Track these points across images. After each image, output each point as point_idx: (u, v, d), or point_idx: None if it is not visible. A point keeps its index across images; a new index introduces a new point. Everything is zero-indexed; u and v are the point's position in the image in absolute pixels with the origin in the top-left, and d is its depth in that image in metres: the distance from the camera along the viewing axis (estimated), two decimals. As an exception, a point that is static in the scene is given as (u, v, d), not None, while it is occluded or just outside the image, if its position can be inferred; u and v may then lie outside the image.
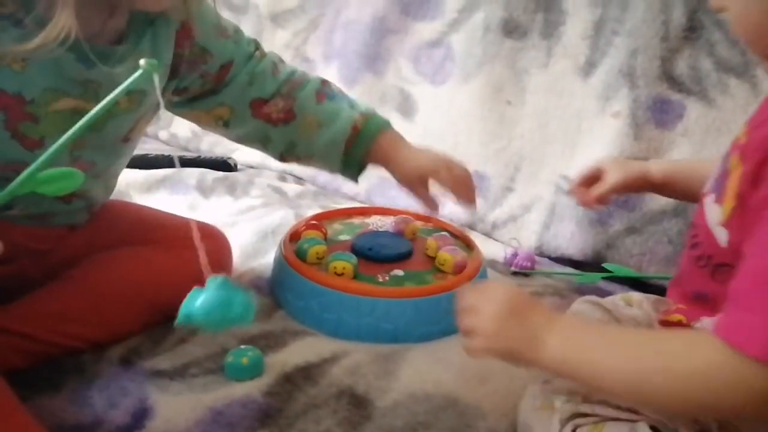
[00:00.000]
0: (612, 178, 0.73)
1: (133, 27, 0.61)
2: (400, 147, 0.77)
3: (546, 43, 0.97)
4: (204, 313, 0.46)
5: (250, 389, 0.60)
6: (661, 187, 0.73)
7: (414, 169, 0.75)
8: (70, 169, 0.41)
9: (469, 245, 0.83)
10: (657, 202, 0.87)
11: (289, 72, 0.78)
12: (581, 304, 0.64)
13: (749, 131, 0.48)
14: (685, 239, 0.59)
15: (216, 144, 1.32)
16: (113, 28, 0.60)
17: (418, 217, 0.88)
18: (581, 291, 0.82)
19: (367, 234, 0.83)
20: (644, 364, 0.42)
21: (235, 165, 1.25)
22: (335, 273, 0.71)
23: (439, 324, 0.70)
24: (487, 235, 1.01)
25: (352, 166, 0.77)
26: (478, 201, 0.84)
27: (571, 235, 0.93)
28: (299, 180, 1.23)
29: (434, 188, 0.77)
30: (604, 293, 0.74)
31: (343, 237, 0.83)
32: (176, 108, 0.76)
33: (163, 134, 1.40)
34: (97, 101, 0.38)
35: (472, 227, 1.02)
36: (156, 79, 0.38)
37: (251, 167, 1.26)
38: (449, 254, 0.76)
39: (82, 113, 0.38)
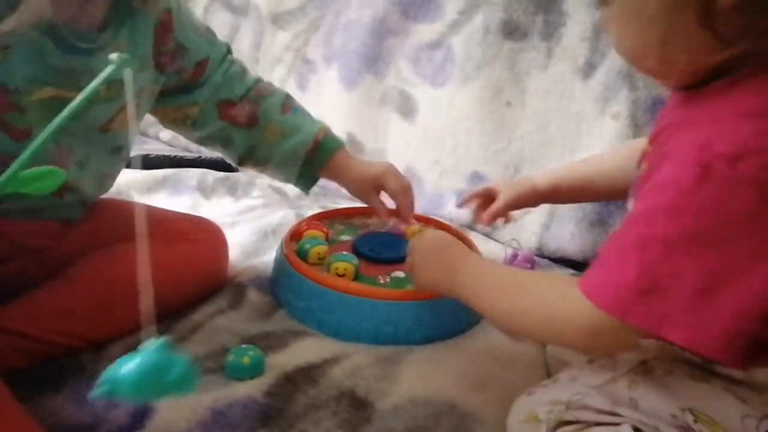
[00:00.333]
0: (505, 195, 0.79)
1: (112, 18, 0.62)
2: (352, 161, 0.83)
3: (546, 45, 0.97)
4: (133, 378, 0.40)
5: (251, 389, 0.60)
6: (551, 196, 0.79)
7: (366, 178, 0.82)
8: (52, 168, 0.40)
9: (469, 246, 0.83)
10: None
11: (256, 79, 0.82)
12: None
13: (650, 141, 0.51)
14: None
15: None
16: (91, 15, 0.60)
17: (418, 218, 0.88)
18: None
19: (368, 235, 0.83)
20: (518, 306, 0.51)
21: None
22: (336, 274, 0.72)
23: (439, 326, 0.70)
24: (487, 235, 1.01)
25: (306, 176, 0.82)
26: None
27: (570, 236, 0.93)
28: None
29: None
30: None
31: (345, 237, 0.83)
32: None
33: (164, 135, 1.40)
34: (78, 90, 0.38)
35: (471, 228, 1.02)
36: (129, 74, 0.37)
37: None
38: (449, 255, 0.75)
39: (65, 102, 0.37)
